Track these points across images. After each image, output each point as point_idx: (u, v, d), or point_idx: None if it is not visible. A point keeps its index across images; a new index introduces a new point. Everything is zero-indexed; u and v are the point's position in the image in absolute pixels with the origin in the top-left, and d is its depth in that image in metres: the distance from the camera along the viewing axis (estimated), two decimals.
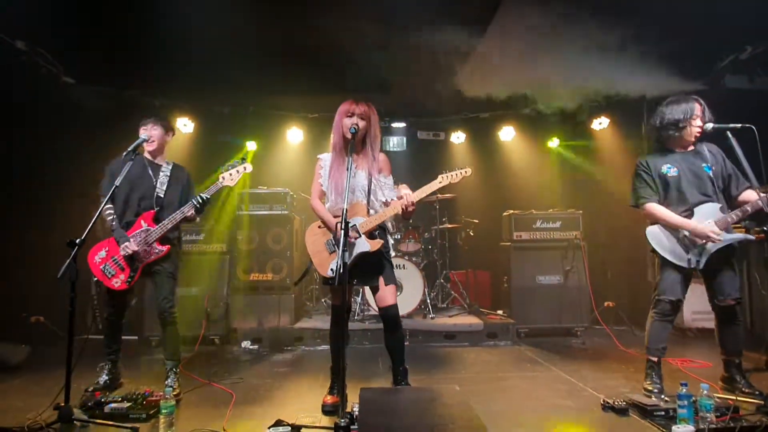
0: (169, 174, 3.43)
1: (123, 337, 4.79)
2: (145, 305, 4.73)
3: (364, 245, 2.86)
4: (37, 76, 4.50)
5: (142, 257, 3.21)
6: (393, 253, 5.14)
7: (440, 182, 2.91)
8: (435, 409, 1.94)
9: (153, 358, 4.35)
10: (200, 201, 3.27)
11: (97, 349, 3.48)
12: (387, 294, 2.91)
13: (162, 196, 3.35)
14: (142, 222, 3.25)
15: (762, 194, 2.83)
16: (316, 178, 3.09)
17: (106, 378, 3.32)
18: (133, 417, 2.72)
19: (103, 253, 3.21)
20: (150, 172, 3.38)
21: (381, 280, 2.92)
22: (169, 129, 3.52)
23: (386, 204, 2.97)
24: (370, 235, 2.91)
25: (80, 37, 4.26)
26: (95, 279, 3.17)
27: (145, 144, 3.35)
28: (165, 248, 3.27)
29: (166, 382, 3.27)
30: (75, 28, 4.15)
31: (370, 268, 2.92)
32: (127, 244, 3.16)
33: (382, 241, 2.91)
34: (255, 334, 4.78)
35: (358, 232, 2.86)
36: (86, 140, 4.79)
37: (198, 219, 3.48)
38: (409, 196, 2.84)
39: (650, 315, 3.17)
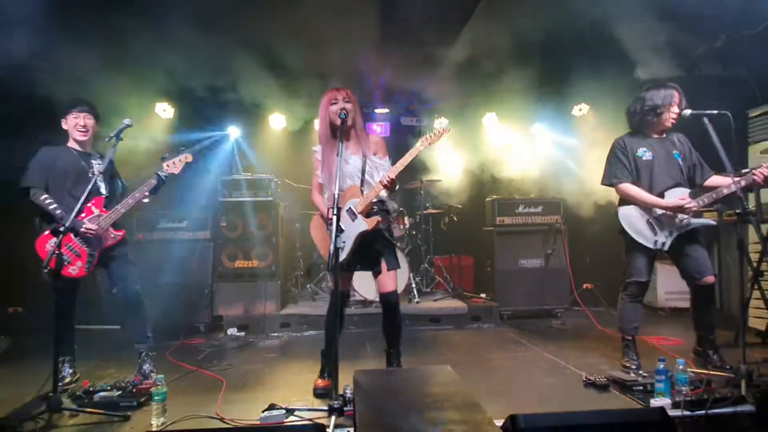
0: (101, 162, 3.34)
1: (105, 327, 4.81)
2: None
3: (361, 225, 2.87)
4: (9, 61, 4.31)
5: (100, 242, 3.17)
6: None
7: (421, 145, 2.88)
8: (429, 388, 2.00)
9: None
10: (164, 177, 3.29)
11: (81, 339, 3.43)
12: (388, 279, 2.93)
13: (105, 185, 3.32)
14: (93, 208, 3.19)
15: (735, 177, 2.96)
16: (314, 170, 3.09)
17: (70, 371, 3.26)
18: (124, 405, 2.70)
19: (54, 241, 3.07)
20: (83, 162, 3.30)
21: (383, 264, 2.94)
22: (98, 119, 3.44)
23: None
24: (367, 214, 2.92)
25: (54, 19, 4.09)
26: (47, 268, 2.88)
27: (77, 134, 3.28)
28: (120, 233, 3.26)
29: (144, 368, 3.25)
30: (48, 9, 3.99)
31: (372, 252, 2.94)
32: (87, 225, 3.09)
33: (378, 218, 2.89)
34: (241, 321, 4.78)
35: (354, 213, 2.88)
36: (60, 128, 4.64)
37: (147, 200, 3.40)
38: (390, 171, 2.86)
39: (621, 297, 3.32)
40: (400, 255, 5.08)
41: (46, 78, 4.36)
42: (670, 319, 5.04)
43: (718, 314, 4.36)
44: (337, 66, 5.15)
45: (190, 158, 3.43)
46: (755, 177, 2.94)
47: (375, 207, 2.97)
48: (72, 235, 3.12)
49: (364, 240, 2.89)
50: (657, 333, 4.28)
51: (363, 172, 2.96)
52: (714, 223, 3.27)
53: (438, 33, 4.86)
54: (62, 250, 3.04)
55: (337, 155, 2.73)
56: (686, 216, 3.09)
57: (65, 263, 3.09)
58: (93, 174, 3.24)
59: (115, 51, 4.42)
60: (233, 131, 6.01)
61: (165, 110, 5.54)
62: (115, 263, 3.27)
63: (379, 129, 6.58)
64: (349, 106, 2.92)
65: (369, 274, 3.04)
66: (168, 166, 3.33)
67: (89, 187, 2.90)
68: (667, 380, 2.58)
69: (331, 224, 2.91)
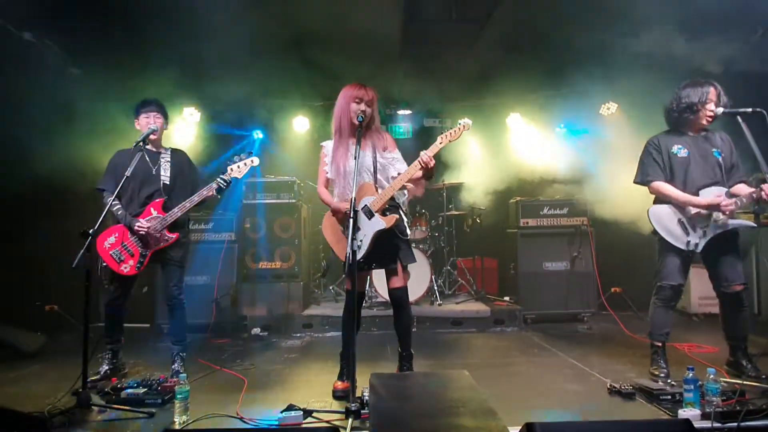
0: (170, 159, 3.44)
1: (135, 325, 4.96)
2: (157, 293, 4.80)
3: (378, 223, 2.86)
4: (44, 67, 4.52)
5: (152, 243, 3.25)
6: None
7: (440, 142, 2.85)
8: (445, 393, 1.98)
9: (165, 344, 4.40)
10: (225, 182, 3.32)
11: None
12: (399, 275, 2.96)
13: (168, 183, 3.38)
14: (152, 210, 3.29)
15: (752, 190, 2.86)
16: (321, 166, 3.10)
17: (107, 368, 3.34)
18: (149, 402, 2.78)
19: (112, 239, 3.24)
20: (149, 161, 3.38)
21: (399, 262, 2.95)
22: (167, 117, 3.54)
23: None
24: (383, 212, 2.91)
25: (85, 26, 4.26)
26: (104, 264, 3.20)
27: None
28: (174, 235, 3.31)
29: (173, 367, 3.36)
30: (79, 17, 4.15)
31: (389, 249, 2.94)
32: (140, 223, 3.20)
33: (396, 216, 2.89)
34: (264, 322, 4.85)
35: (370, 211, 2.87)
36: (96, 130, 4.82)
37: (207, 201, 3.44)
38: (425, 153, 2.80)
39: (652, 301, 3.20)
40: (422, 257, 5.09)
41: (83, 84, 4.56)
42: (703, 325, 4.85)
43: (755, 320, 4.17)
44: (360, 67, 5.18)
45: (256, 162, 3.45)
46: (763, 192, 2.79)
47: (387, 204, 2.94)
48: (129, 234, 3.24)
49: (380, 238, 2.88)
50: (690, 340, 4.12)
51: (375, 169, 2.96)
52: (754, 225, 3.13)
53: (459, 32, 4.82)
54: (117, 249, 3.23)
55: (354, 157, 2.74)
56: (722, 216, 2.96)
57: (118, 261, 3.23)
58: (155, 174, 3.34)
59: (142, 54, 4.56)
60: (258, 134, 6.11)
61: (192, 114, 5.67)
62: (164, 266, 3.39)
63: (402, 130, 6.57)
64: (369, 110, 2.94)
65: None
66: (232, 170, 3.37)
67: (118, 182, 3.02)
68: (697, 390, 2.47)
69: (346, 225, 2.93)
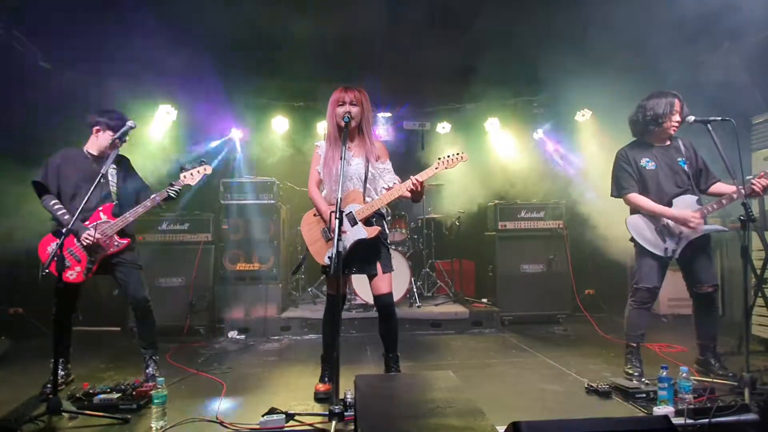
0: (115, 165, 3.31)
1: (105, 329, 4.81)
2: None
3: (361, 232, 2.86)
4: (14, 61, 4.33)
5: (101, 248, 3.12)
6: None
7: (435, 168, 2.88)
8: (431, 394, 1.98)
9: (137, 348, 4.28)
10: (176, 192, 3.24)
11: (81, 341, 3.42)
12: (383, 282, 2.93)
13: (115, 189, 3.28)
14: (101, 214, 3.16)
15: (739, 185, 2.95)
16: (314, 165, 3.07)
17: (62, 373, 3.16)
18: (124, 407, 2.69)
19: (55, 244, 3.03)
20: (95, 165, 3.23)
21: (379, 267, 2.93)
22: (116, 129, 3.32)
23: (389, 190, 2.95)
24: (367, 222, 2.91)
25: (56, 19, 4.11)
26: (46, 271, 2.87)
27: (96, 141, 3.25)
28: (125, 241, 3.20)
29: (147, 371, 3.26)
30: (49, 10, 4.01)
31: (368, 255, 2.92)
32: (88, 232, 3.05)
33: (379, 228, 2.90)
34: (242, 324, 4.77)
35: (354, 219, 2.86)
36: (62, 128, 4.64)
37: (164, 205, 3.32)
38: (415, 177, 2.81)
39: (629, 303, 3.30)
40: (401, 259, 5.10)
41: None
42: (672, 325, 5.01)
43: (721, 321, 4.33)
44: (341, 69, 5.18)
45: (209, 170, 3.39)
46: (754, 186, 2.93)
47: (374, 215, 2.96)
48: (75, 240, 3.09)
49: (359, 245, 2.87)
50: (660, 340, 4.25)
51: (366, 178, 2.95)
52: (725, 229, 3.28)
53: (441, 38, 4.87)
54: (63, 254, 3.04)
55: (341, 158, 2.72)
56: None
57: (64, 267, 3.06)
58: (104, 178, 3.17)
59: (117, 51, 4.43)
60: (236, 134, 6.01)
61: (168, 113, 5.53)
62: (120, 270, 3.23)
63: (382, 133, 6.58)
64: (355, 109, 2.90)
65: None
66: (185, 177, 3.29)
67: (92, 189, 2.87)
68: (670, 388, 2.56)
69: (329, 228, 2.91)
